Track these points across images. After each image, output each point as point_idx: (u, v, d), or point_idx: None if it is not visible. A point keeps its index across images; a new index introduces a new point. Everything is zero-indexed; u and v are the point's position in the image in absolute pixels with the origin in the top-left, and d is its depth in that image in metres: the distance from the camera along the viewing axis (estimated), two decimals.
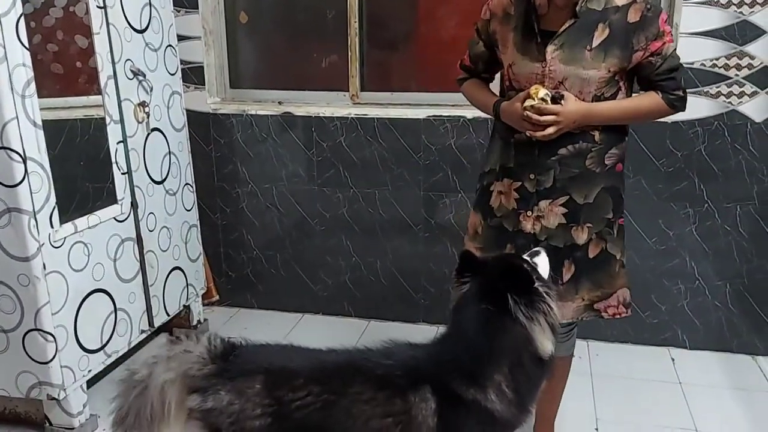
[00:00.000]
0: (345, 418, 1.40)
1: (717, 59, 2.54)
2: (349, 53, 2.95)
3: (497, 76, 1.96)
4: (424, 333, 2.98)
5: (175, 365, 1.50)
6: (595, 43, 1.70)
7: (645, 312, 2.84)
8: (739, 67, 2.54)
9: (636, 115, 1.80)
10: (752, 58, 2.51)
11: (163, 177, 2.67)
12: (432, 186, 2.90)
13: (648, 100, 1.78)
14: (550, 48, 1.71)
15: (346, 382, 1.43)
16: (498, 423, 1.42)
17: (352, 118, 2.91)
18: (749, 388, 2.57)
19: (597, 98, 1.73)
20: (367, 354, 1.51)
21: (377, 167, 2.93)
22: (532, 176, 1.79)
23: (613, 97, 1.75)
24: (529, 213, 1.81)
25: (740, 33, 2.50)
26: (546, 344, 1.44)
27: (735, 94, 2.56)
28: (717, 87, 2.57)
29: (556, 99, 1.69)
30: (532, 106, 1.68)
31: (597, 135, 1.76)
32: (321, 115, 2.94)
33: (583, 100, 1.72)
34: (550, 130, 1.70)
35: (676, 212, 2.71)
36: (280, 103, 3.06)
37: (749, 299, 2.74)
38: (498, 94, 1.92)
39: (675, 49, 1.75)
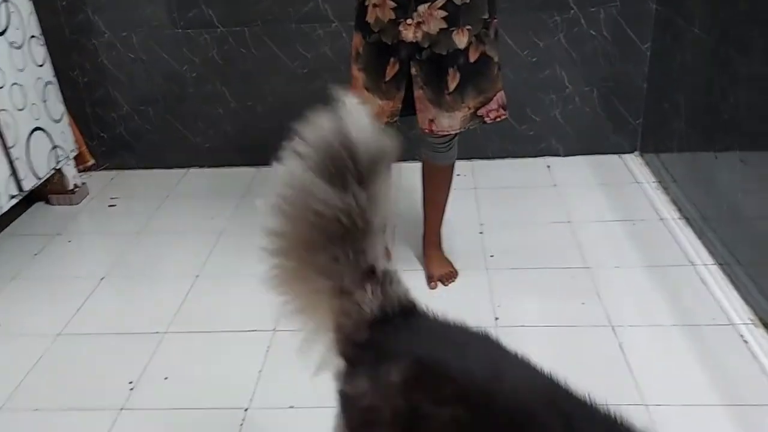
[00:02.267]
0: None
1: None
2: None
3: None
4: None
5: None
6: None
7: (522, 126, 2.96)
8: None
9: None
10: None
11: (3, 27, 2.40)
12: (303, 17, 2.78)
13: None
14: None
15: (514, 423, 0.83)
16: None
17: None
18: (617, 183, 2.78)
19: None
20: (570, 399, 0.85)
21: (243, 1, 2.76)
22: None
23: None
24: (409, 21, 1.78)
25: None
26: None
27: None
28: None
29: None
30: None
31: None
32: None
33: None
34: None
35: (545, 21, 2.76)
36: None
37: (615, 101, 2.90)
38: None
39: None
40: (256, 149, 3.04)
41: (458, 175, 2.90)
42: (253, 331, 1.98)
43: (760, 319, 1.87)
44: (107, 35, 2.84)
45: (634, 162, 2.93)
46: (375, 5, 1.81)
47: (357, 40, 1.91)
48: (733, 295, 1.99)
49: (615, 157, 2.98)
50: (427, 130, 1.91)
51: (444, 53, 1.81)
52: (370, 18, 1.84)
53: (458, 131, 1.93)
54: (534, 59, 2.83)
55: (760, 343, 1.81)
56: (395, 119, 1.93)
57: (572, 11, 2.73)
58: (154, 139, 3.06)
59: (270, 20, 2.79)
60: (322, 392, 1.43)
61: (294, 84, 2.90)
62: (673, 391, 1.67)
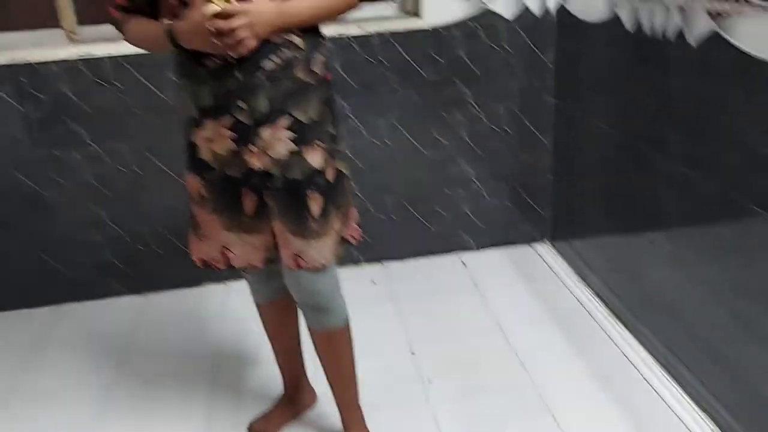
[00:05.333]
0: None
1: None
2: None
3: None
4: (212, 295, 2.71)
5: None
6: None
7: (431, 222, 2.85)
8: None
9: (327, 12, 1.54)
10: None
11: None
12: None
13: None
14: None
15: None
16: None
17: (73, 60, 2.37)
18: (535, 277, 2.72)
19: None
20: None
21: (120, 116, 2.45)
22: (241, 104, 1.47)
23: None
24: (253, 149, 1.52)
25: None
26: None
27: None
28: None
29: None
30: (217, 14, 1.36)
31: (298, 40, 1.50)
32: (30, 60, 2.34)
33: None
34: (243, 33, 1.38)
35: (447, 120, 2.70)
36: None
37: (521, 193, 2.87)
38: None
39: None
40: (144, 274, 2.70)
41: (373, 282, 2.75)
42: None
43: None
44: None
45: (546, 251, 2.89)
46: (208, 139, 1.54)
47: (193, 183, 1.63)
48: (689, 405, 1.92)
49: (526, 246, 2.95)
50: (294, 267, 1.62)
51: (300, 178, 1.56)
52: (205, 155, 1.57)
53: (331, 262, 1.65)
54: (439, 157, 2.75)
55: None
56: (275, 254, 1.67)
57: (473, 109, 2.69)
58: (15, 276, 2.60)
59: (153, 134, 2.50)
60: None
61: (183, 198, 2.59)
62: None
